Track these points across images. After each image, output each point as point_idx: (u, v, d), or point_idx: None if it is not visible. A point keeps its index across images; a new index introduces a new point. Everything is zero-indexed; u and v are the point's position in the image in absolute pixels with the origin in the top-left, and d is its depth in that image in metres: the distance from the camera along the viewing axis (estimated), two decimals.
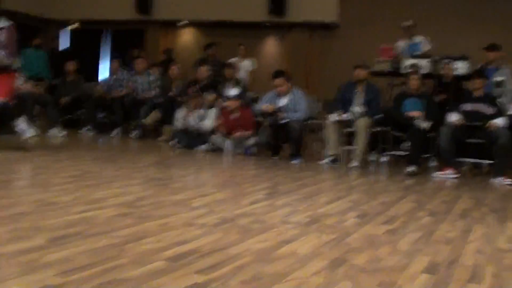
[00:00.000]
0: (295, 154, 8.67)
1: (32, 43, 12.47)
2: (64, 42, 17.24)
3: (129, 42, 16.62)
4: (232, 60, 11.68)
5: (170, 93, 10.67)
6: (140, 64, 11.14)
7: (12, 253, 2.97)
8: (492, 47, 9.39)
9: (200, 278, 2.75)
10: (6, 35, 6.99)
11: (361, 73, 8.94)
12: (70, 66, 11.58)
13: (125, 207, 4.31)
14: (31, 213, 3.93)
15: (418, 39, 11.04)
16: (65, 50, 14.98)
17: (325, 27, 14.60)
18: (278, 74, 9.01)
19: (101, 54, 17.55)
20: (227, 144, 9.02)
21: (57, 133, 10.03)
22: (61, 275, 2.65)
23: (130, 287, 2.59)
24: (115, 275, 2.72)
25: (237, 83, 10.31)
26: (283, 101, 8.82)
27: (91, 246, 3.18)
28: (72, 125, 11.46)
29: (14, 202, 4.25)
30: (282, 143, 9.11)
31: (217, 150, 9.08)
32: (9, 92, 7.26)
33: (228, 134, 9.06)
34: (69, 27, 17.32)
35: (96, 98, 11.31)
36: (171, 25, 16.62)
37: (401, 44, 11.01)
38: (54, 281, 2.57)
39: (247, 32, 15.18)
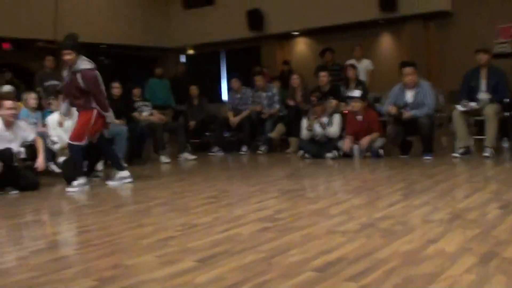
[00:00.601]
0: (427, 150, 8.49)
1: (155, 74, 12.97)
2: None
3: (244, 59, 16.96)
4: (349, 61, 11.61)
5: (291, 103, 10.76)
6: (259, 80, 11.28)
7: (165, 277, 3.11)
8: None
9: (351, 286, 2.77)
10: (84, 80, 6.97)
11: (483, 57, 8.64)
12: (193, 90, 11.92)
13: (266, 221, 4.39)
14: (177, 236, 4.08)
15: None
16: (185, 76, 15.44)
17: (439, 16, 14.24)
18: (407, 63, 8.83)
19: (219, 75, 17.98)
20: (355, 148, 8.96)
21: (188, 157, 10.34)
22: None
23: None
24: None
25: (358, 84, 10.24)
26: (409, 95, 8.64)
27: (240, 263, 3.27)
28: (200, 148, 11.79)
29: (159, 228, 4.43)
30: (411, 140, 8.95)
31: (345, 155, 9.04)
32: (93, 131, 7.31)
33: (355, 138, 8.98)
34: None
35: (223, 118, 11.55)
36: (285, 37, 16.79)
37: None
38: None
39: (361, 32, 15.08)
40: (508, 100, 8.59)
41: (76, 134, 7.16)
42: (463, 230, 3.80)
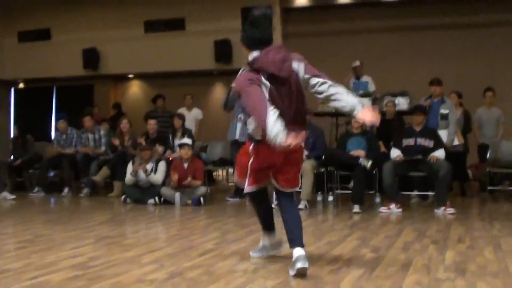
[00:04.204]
0: None
1: None
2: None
3: (76, 97, 16.75)
4: (180, 110, 11.86)
5: (116, 142, 10.83)
6: (87, 122, 11.25)
7: None
8: (436, 82, 9.85)
9: None
10: None
11: None
12: (16, 129, 11.69)
13: (78, 269, 4.42)
14: None
15: (365, 79, 11.50)
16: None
17: None
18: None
19: (50, 112, 17.59)
20: (177, 196, 9.15)
21: (7, 197, 10.04)
22: None
23: None
24: None
25: (185, 133, 10.46)
26: None
27: None
28: (21, 187, 11.48)
29: None
30: None
31: (167, 202, 9.20)
32: None
33: (179, 185, 9.16)
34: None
35: (48, 158, 11.35)
36: (119, 79, 16.80)
37: (349, 82, 11.47)
38: None
39: (195, 80, 15.42)
40: (324, 156, 9.19)
41: None
42: (263, 280, 4.06)
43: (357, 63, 11.61)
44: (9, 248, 5.39)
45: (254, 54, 4.36)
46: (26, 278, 4.12)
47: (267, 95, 4.19)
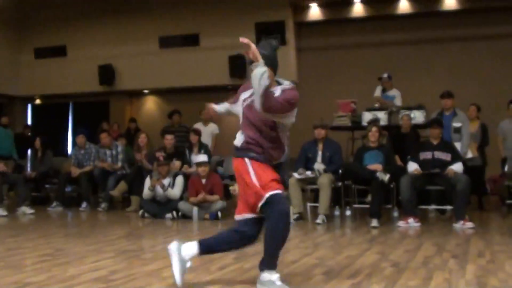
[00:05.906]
0: None
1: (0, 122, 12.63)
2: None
3: (93, 113, 16.86)
4: (197, 125, 11.90)
5: (139, 160, 10.84)
6: (104, 138, 11.28)
7: None
8: (447, 95, 9.77)
9: None
10: None
11: (321, 132, 9.24)
12: (37, 142, 11.70)
13: (100, 282, 4.44)
14: None
15: (393, 92, 11.46)
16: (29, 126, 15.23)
17: None
18: None
19: (66, 127, 17.71)
20: (194, 210, 9.16)
21: (26, 211, 10.08)
22: None
23: None
24: None
25: (201, 148, 10.49)
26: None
27: None
28: (40, 202, 11.52)
29: None
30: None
31: (185, 217, 9.22)
32: None
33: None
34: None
35: (66, 172, 11.40)
36: (135, 94, 16.89)
37: (377, 92, 11.50)
38: None
39: (210, 95, 15.43)
40: (341, 170, 9.19)
41: None
42: None
43: (384, 75, 11.53)
44: (30, 261, 5.40)
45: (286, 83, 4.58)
46: None
47: None
